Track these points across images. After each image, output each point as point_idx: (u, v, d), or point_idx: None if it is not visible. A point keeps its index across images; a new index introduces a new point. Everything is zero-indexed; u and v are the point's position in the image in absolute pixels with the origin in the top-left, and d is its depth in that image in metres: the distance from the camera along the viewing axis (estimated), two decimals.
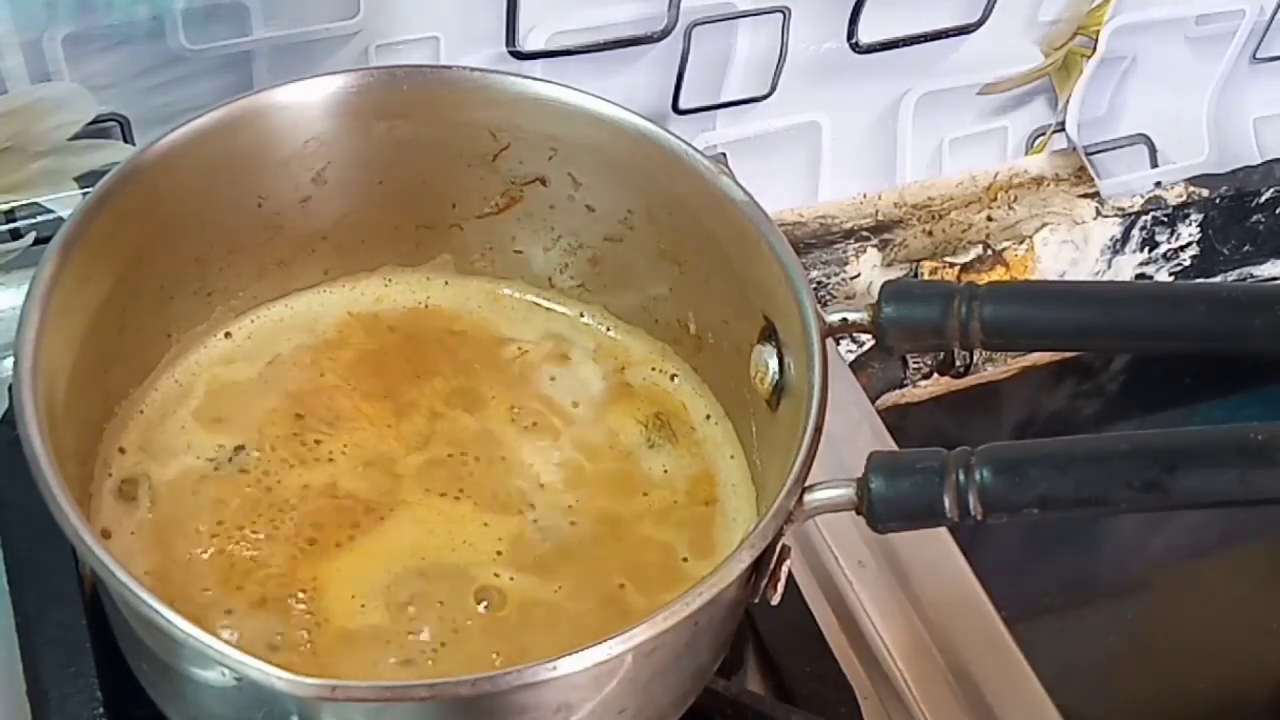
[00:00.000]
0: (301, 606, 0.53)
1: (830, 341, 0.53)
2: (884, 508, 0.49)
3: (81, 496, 0.54)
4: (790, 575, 0.63)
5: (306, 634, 0.52)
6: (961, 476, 0.48)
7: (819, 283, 0.93)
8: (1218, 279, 1.09)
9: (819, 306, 0.53)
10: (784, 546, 0.51)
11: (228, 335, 0.62)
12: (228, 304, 0.62)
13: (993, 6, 0.85)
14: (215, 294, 0.61)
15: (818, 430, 0.50)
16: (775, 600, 0.52)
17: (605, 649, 0.44)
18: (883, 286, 0.53)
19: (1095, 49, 0.92)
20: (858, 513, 0.50)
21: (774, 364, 0.56)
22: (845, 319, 0.53)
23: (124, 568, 0.44)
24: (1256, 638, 0.94)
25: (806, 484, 0.49)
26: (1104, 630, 0.94)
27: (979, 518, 0.48)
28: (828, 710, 0.60)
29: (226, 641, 0.44)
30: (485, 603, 0.54)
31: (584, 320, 0.66)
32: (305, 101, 0.58)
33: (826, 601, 0.66)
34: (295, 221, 0.61)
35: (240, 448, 0.58)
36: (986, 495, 0.48)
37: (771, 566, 0.51)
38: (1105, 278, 1.04)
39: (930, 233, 0.95)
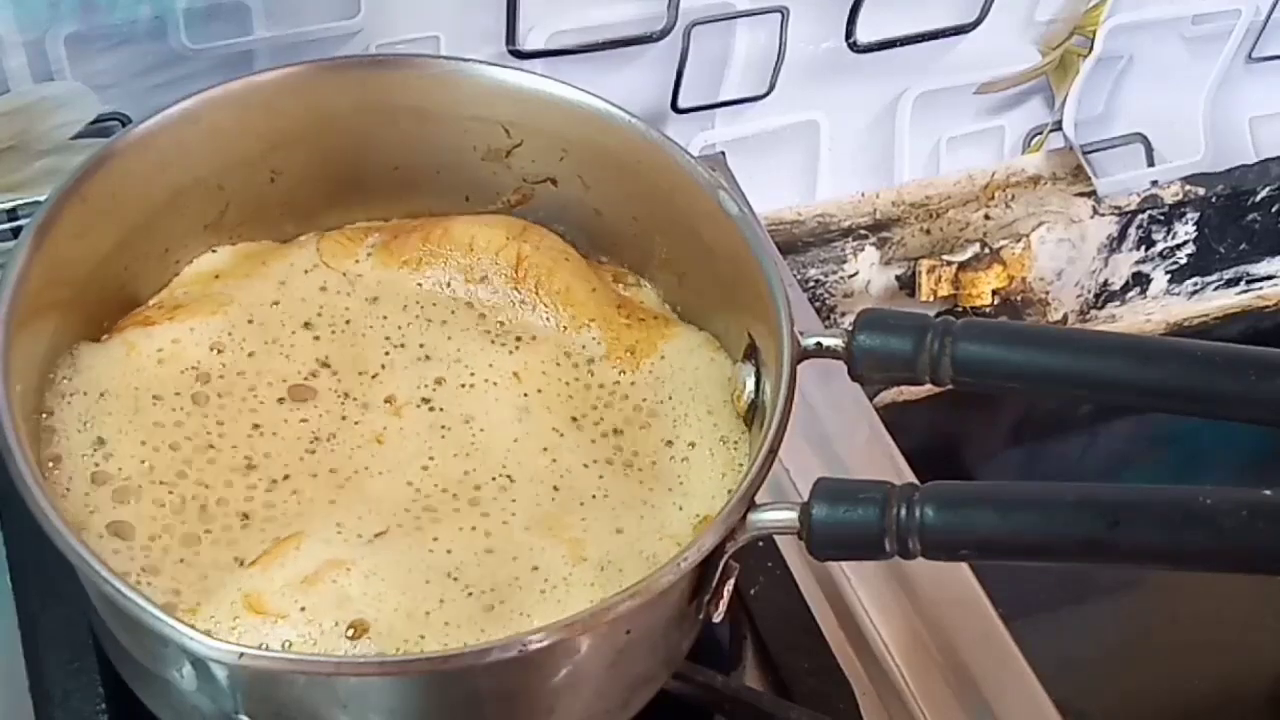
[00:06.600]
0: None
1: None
2: (824, 536, 0.48)
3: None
4: (789, 571, 0.64)
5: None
6: (903, 512, 0.46)
7: (817, 281, 0.93)
8: (1214, 277, 1.10)
9: (795, 330, 0.52)
10: (729, 564, 0.50)
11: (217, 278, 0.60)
12: None
13: (990, 6, 0.86)
14: None
15: (772, 452, 0.49)
16: (717, 618, 0.52)
17: (517, 645, 0.44)
18: (859, 315, 0.52)
19: (1092, 48, 0.92)
20: (799, 538, 0.49)
21: (751, 383, 0.56)
22: (820, 343, 0.52)
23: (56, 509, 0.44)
24: (1252, 633, 0.95)
25: (755, 503, 0.48)
26: (1100, 626, 0.94)
27: (919, 555, 0.47)
28: (826, 706, 0.60)
29: (144, 594, 0.43)
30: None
31: None
32: (323, 82, 0.58)
33: (825, 598, 0.67)
34: (309, 198, 0.61)
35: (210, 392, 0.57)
36: (926, 534, 0.46)
37: (714, 584, 0.50)
38: (1102, 276, 1.04)
39: (928, 231, 0.96)
